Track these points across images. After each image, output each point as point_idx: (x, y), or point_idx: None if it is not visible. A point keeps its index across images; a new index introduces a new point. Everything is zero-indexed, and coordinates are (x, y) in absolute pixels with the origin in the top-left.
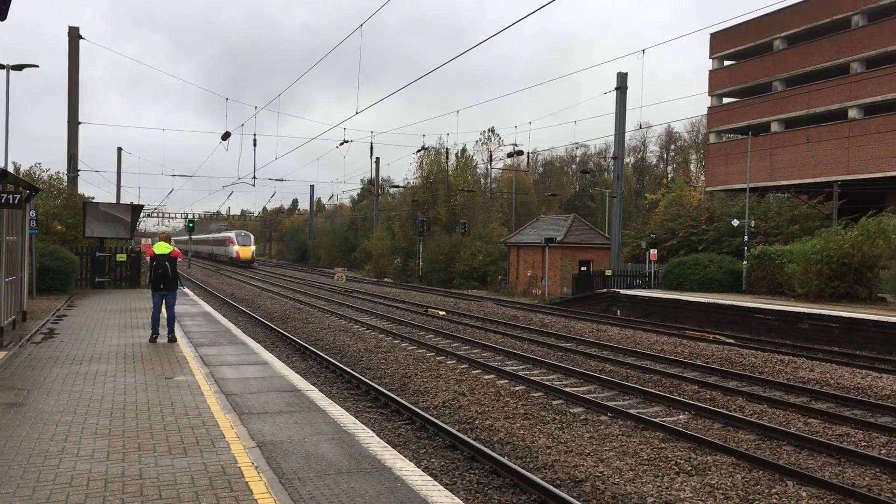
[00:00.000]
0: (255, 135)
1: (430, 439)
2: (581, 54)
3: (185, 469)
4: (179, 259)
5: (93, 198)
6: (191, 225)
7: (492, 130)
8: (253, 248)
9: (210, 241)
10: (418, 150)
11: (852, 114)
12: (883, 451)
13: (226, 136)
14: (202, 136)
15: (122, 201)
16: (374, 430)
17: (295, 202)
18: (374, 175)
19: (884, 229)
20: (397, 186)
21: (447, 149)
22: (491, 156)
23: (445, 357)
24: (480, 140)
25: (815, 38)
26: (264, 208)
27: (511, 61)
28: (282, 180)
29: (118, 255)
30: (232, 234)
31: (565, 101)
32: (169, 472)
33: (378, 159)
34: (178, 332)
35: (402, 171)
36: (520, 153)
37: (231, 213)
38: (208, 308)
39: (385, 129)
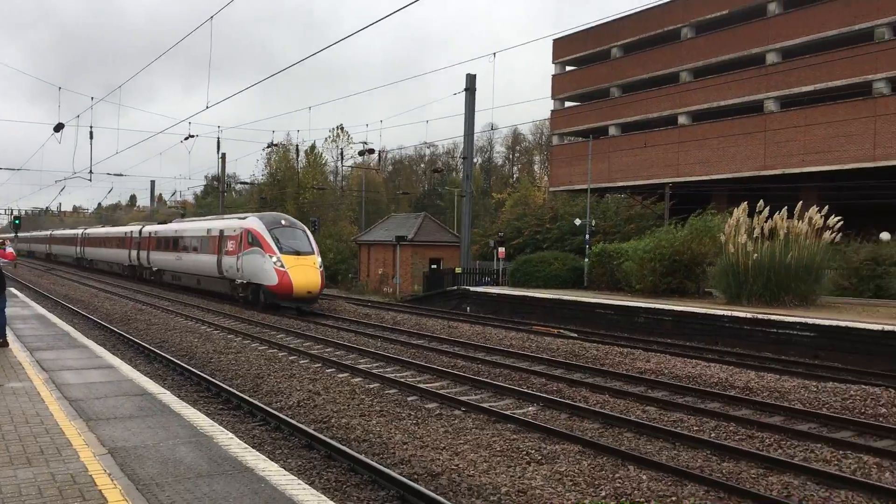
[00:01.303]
0: (91, 127)
1: (285, 440)
2: (437, 53)
3: (30, 480)
4: (8, 260)
5: None
6: (17, 222)
7: (341, 128)
8: (319, 259)
9: (176, 245)
10: (266, 147)
11: (682, 120)
12: (713, 435)
13: (59, 127)
14: (31, 126)
15: None
16: (232, 433)
17: (133, 198)
18: (220, 171)
19: (710, 228)
20: (245, 183)
21: (297, 145)
22: (342, 153)
23: (298, 356)
24: (329, 137)
25: (648, 48)
26: (99, 204)
27: (366, 56)
28: (121, 175)
29: None
30: (256, 225)
31: (419, 99)
32: (12, 483)
33: (224, 155)
34: (9, 336)
35: (250, 167)
36: (371, 151)
37: (62, 210)
38: (42, 310)
39: (234, 125)
